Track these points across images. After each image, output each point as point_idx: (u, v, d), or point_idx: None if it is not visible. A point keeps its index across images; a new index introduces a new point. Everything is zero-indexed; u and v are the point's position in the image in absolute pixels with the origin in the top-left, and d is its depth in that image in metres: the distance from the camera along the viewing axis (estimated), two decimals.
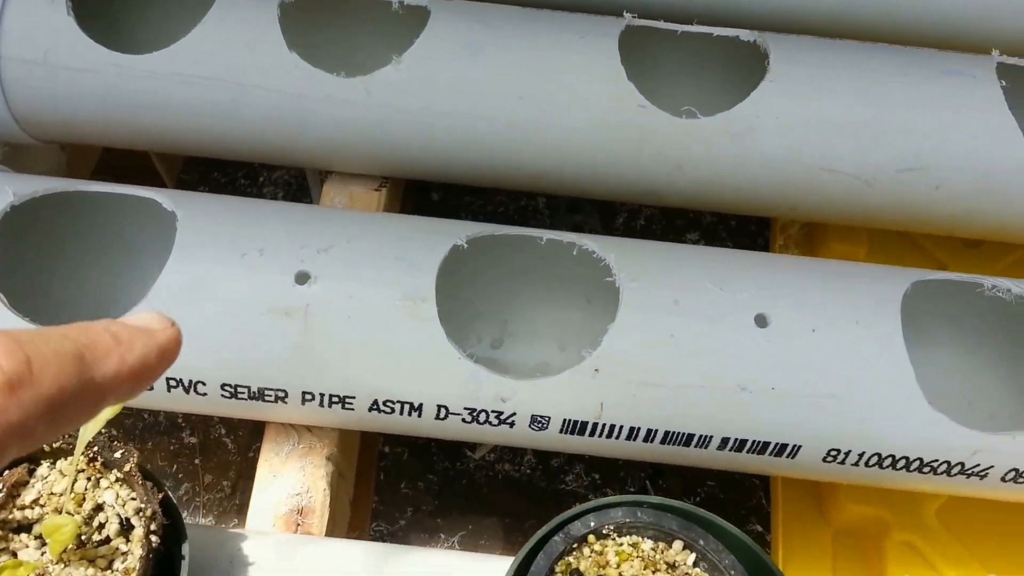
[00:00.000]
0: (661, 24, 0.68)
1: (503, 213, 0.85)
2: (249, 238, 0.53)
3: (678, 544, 0.39)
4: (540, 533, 0.38)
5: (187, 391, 0.53)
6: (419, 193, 0.84)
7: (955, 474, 0.51)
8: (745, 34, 0.68)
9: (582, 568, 0.37)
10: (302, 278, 0.52)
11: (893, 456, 0.51)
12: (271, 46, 0.64)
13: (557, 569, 0.37)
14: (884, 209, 0.67)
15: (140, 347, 0.26)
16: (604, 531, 0.39)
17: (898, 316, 0.51)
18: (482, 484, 0.71)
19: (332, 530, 0.52)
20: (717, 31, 0.68)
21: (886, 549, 0.62)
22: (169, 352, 0.28)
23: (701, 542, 0.38)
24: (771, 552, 0.62)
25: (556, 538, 0.38)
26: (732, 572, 0.37)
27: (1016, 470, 0.50)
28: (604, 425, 0.51)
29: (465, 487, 0.71)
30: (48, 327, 0.25)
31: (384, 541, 0.53)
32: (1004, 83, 0.65)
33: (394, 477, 0.72)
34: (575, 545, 0.38)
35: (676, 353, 0.51)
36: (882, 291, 0.53)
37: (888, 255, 0.78)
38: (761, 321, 0.51)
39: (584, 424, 0.52)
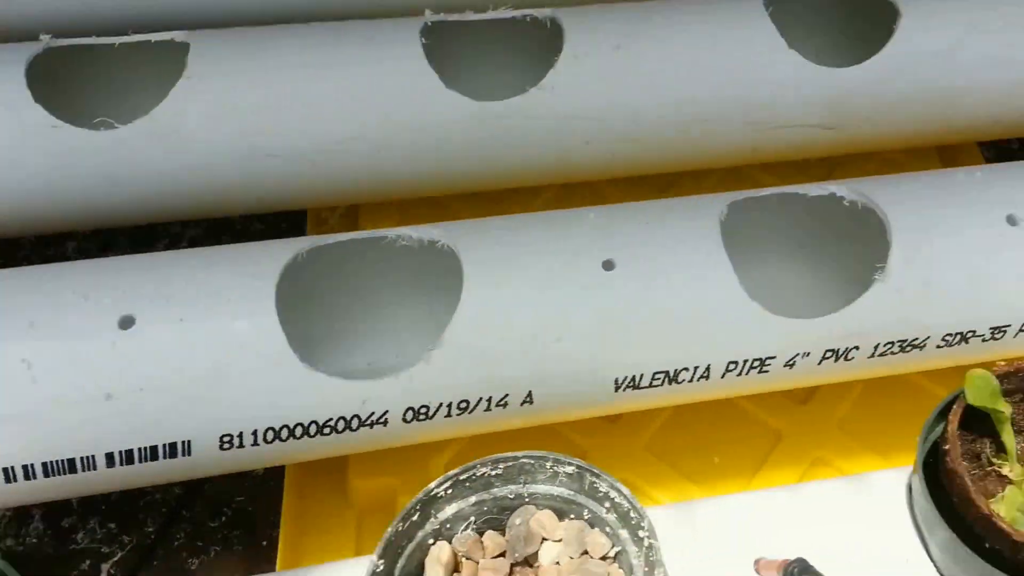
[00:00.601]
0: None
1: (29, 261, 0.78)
2: None
3: None
4: None
5: None
6: None
7: (342, 430, 0.50)
8: (180, 35, 0.66)
9: None
10: None
11: (288, 426, 0.50)
12: None
13: None
14: (342, 181, 0.67)
15: None
16: None
17: (272, 292, 0.50)
18: None
19: None
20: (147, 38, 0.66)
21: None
22: None
23: None
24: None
25: None
26: None
27: (415, 409, 0.51)
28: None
29: None
30: None
31: None
32: (425, 41, 0.66)
33: None
34: None
35: (31, 376, 0.47)
36: (257, 269, 0.52)
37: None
38: (126, 323, 0.49)
39: None
